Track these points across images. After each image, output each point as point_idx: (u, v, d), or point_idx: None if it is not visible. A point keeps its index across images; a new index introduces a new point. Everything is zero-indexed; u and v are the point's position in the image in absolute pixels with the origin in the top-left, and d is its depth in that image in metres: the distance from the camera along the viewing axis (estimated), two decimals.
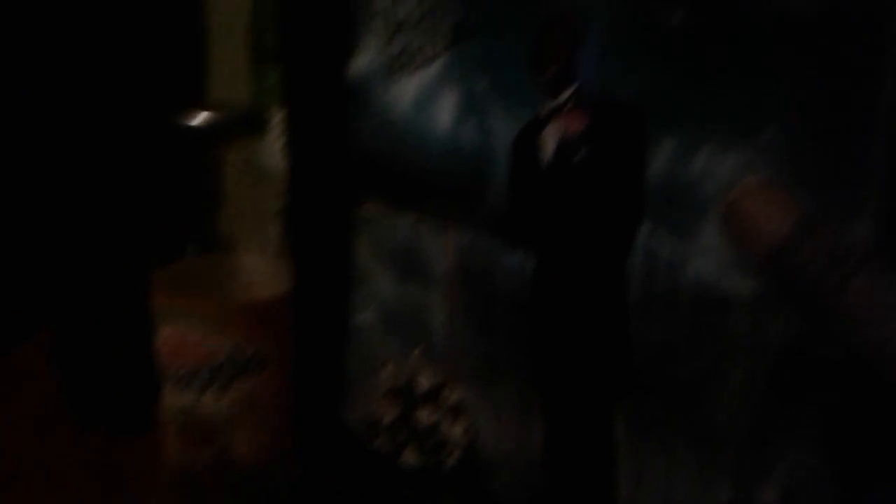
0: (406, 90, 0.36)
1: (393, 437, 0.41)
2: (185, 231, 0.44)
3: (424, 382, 0.40)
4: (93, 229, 0.44)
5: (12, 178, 0.46)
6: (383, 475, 0.41)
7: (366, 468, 0.42)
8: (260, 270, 0.43)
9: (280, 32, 0.40)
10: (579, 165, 0.32)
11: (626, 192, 0.31)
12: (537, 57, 0.32)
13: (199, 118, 0.41)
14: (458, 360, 0.38)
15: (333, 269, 0.41)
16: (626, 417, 0.33)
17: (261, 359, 0.41)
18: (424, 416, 0.40)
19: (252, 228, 0.44)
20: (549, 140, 0.32)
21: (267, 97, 0.46)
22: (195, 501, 0.42)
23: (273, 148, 0.44)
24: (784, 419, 0.30)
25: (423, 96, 0.36)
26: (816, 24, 0.27)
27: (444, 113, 0.35)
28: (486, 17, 0.33)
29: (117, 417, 0.43)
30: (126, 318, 0.43)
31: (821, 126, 0.28)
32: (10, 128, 0.45)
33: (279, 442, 0.43)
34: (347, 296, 0.41)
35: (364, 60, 0.38)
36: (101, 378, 0.43)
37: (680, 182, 0.30)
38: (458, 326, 0.38)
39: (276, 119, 0.43)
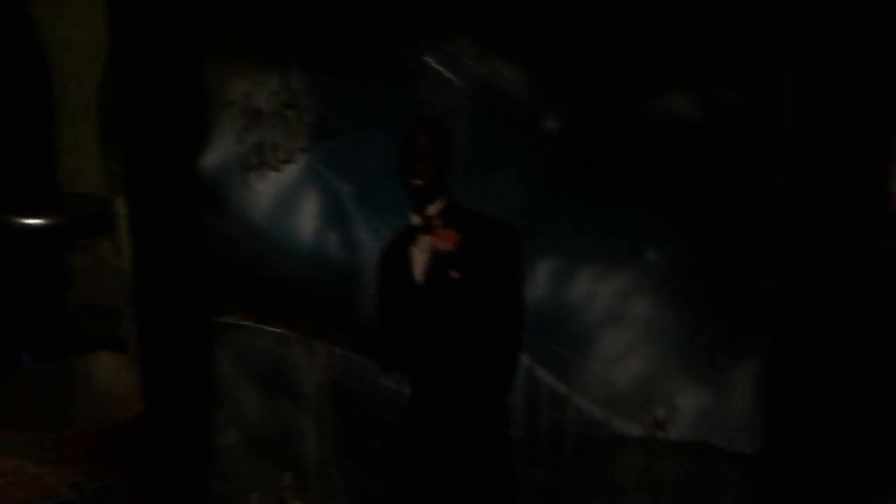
0: (266, 190, 0.34)
1: None
2: (19, 339, 0.40)
3: None
4: None
5: None
6: None
7: None
8: (108, 385, 0.40)
9: (119, 112, 0.37)
10: (451, 286, 0.30)
11: (503, 315, 0.29)
12: (403, 165, 0.30)
13: (41, 220, 0.38)
14: (333, 488, 0.36)
15: (191, 384, 0.38)
16: None
17: (109, 492, 0.38)
18: None
19: (98, 334, 0.41)
20: (419, 257, 0.30)
21: (117, 182, 0.43)
22: None
23: (123, 241, 0.41)
24: None
25: (283, 199, 0.33)
26: (703, 133, 0.26)
27: (307, 219, 0.33)
28: (350, 115, 0.31)
29: None
30: None
31: (706, 250, 0.26)
32: None
33: None
34: (208, 415, 0.38)
35: (217, 154, 0.35)
36: None
37: (559, 310, 0.28)
38: (332, 452, 0.35)
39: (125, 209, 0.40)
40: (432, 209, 0.29)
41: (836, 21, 0.23)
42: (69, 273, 0.40)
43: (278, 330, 0.35)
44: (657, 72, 0.26)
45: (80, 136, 0.46)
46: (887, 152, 0.24)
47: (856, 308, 0.25)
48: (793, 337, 0.25)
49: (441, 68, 0.29)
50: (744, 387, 0.26)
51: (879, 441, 0.31)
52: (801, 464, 0.26)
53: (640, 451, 0.28)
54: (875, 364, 0.26)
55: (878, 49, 0.24)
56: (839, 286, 0.25)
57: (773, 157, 0.24)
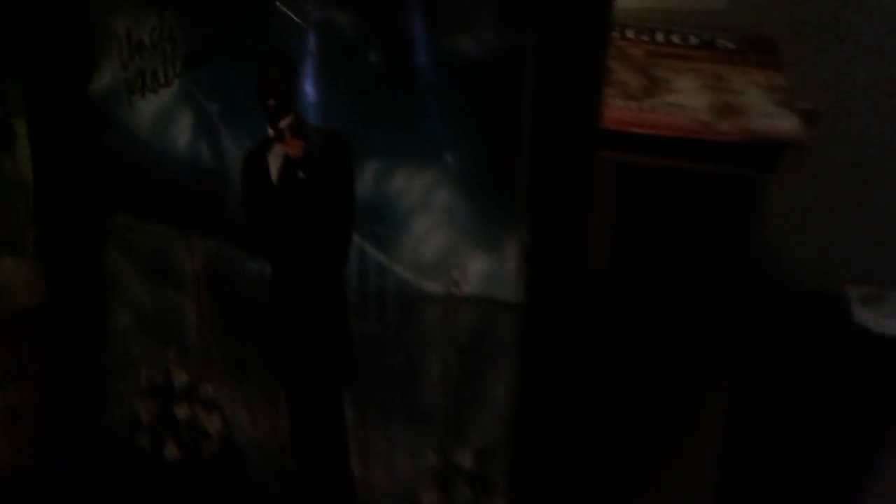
0: (147, 109, 0.43)
1: (153, 433, 0.48)
2: None
3: (180, 380, 0.47)
4: None
5: None
6: (147, 471, 0.49)
7: (130, 466, 0.49)
8: (11, 280, 0.49)
9: (19, 43, 0.45)
10: (300, 184, 0.40)
11: (340, 205, 0.40)
12: (259, 88, 0.40)
13: None
14: (211, 358, 0.46)
15: (87, 276, 0.47)
16: (352, 403, 0.42)
17: (15, 372, 0.47)
18: (182, 411, 0.47)
19: (2, 237, 0.49)
20: (274, 162, 0.41)
21: (15, 105, 0.51)
22: None
23: (23, 157, 0.49)
24: (475, 394, 0.40)
25: (162, 116, 0.43)
26: (478, 65, 0.37)
27: (183, 133, 0.42)
28: (215, 48, 0.41)
29: None
30: None
31: (486, 153, 0.38)
32: None
33: (40, 451, 0.49)
34: (102, 301, 0.47)
35: (106, 79, 0.44)
36: None
37: (381, 200, 0.39)
38: (209, 328, 0.46)
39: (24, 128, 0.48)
40: (283, 123, 0.39)
41: None
42: None
43: (161, 227, 0.45)
44: (441, 19, 0.36)
45: None
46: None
47: (588, 199, 0.37)
48: (544, 212, 0.37)
49: (289, 12, 0.39)
50: (514, 252, 0.38)
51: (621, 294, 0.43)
52: (554, 309, 0.38)
53: (442, 305, 0.39)
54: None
55: None
56: (574, 179, 0.36)
57: (521, 83, 0.36)
